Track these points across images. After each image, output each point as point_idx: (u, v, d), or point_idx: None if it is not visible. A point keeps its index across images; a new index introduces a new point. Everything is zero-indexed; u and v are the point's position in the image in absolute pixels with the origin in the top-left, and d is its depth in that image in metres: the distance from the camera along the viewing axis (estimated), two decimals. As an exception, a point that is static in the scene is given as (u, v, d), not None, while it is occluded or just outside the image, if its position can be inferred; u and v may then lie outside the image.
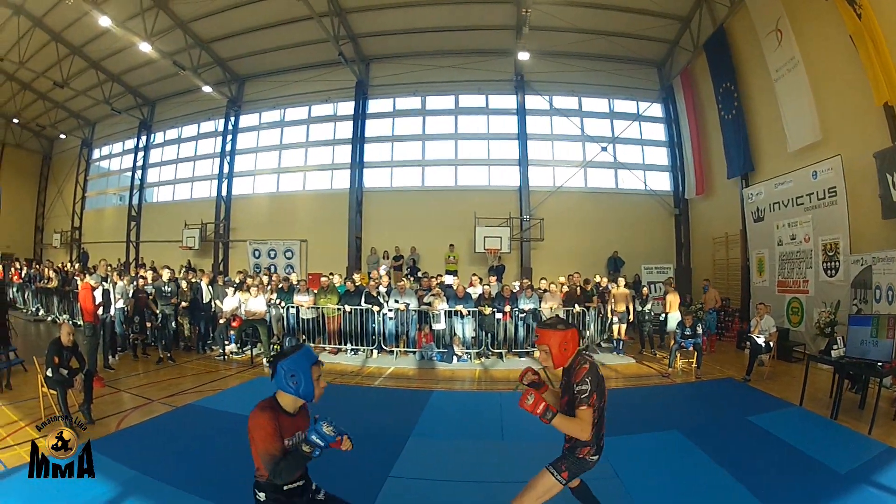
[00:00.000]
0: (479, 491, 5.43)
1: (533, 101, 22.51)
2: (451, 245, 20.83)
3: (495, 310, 12.96)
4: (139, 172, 27.23)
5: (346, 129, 23.44)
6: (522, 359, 12.83)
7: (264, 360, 12.02)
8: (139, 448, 6.38)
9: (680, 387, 10.57)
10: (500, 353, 13.10)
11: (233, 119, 25.20)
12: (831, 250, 12.44)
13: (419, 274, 17.71)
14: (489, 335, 13.18)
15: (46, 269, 18.97)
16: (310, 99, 24.12)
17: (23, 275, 20.42)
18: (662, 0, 17.84)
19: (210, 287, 13.89)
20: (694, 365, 11.42)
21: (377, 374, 11.45)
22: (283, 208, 24.09)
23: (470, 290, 13.77)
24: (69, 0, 16.60)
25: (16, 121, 27.51)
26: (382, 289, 13.63)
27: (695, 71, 19.98)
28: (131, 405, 8.40)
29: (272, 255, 23.02)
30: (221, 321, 12.99)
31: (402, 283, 14.38)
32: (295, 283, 14.35)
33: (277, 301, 13.43)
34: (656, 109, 22.69)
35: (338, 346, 13.19)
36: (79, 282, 13.11)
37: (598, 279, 15.78)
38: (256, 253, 23.14)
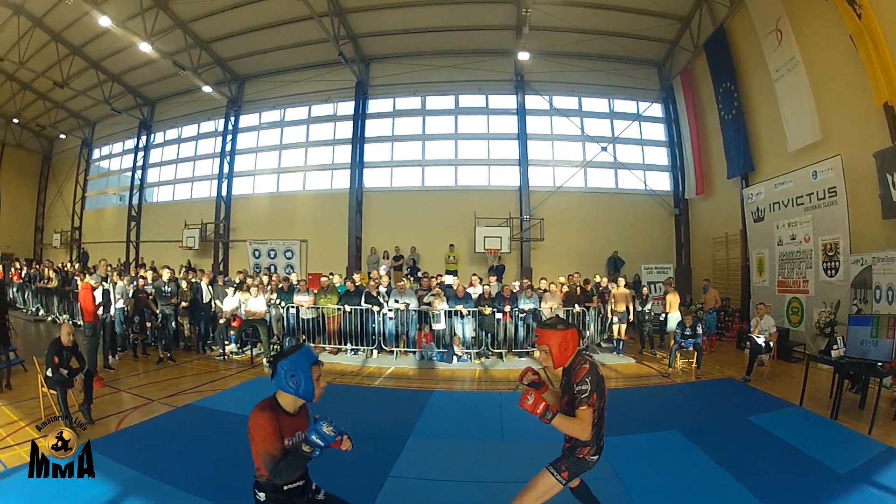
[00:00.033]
0: (478, 491, 5.43)
1: (533, 101, 22.49)
2: (451, 245, 20.83)
3: (495, 310, 12.97)
4: (139, 172, 27.24)
5: (346, 129, 23.42)
6: (522, 359, 12.84)
7: (264, 360, 12.02)
8: (139, 448, 6.39)
9: (680, 387, 10.57)
10: (500, 353, 13.10)
11: (233, 119, 25.19)
12: (831, 250, 12.45)
13: (419, 274, 17.71)
14: (489, 335, 13.18)
15: (46, 269, 18.96)
16: (310, 99, 24.11)
17: (23, 275, 20.42)
18: (662, 0, 17.82)
19: (210, 287, 13.89)
20: (694, 365, 11.42)
21: (377, 374, 11.45)
22: (283, 208, 24.08)
23: (470, 290, 13.78)
24: (69, 0, 16.58)
25: (16, 121, 27.52)
26: (382, 289, 13.62)
27: (695, 71, 19.98)
28: (131, 405, 8.41)
29: (272, 255, 23.01)
30: (221, 321, 12.98)
31: (402, 283, 14.38)
32: (295, 283, 14.35)
33: (277, 301, 13.43)
34: (656, 109, 22.68)
35: (338, 347, 13.19)
36: (79, 282, 13.12)
37: (598, 279, 15.77)
38: (256, 253, 23.13)
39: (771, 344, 11.15)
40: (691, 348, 11.33)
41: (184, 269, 17.73)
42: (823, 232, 12.74)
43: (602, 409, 3.67)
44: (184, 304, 13.12)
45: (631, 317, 13.77)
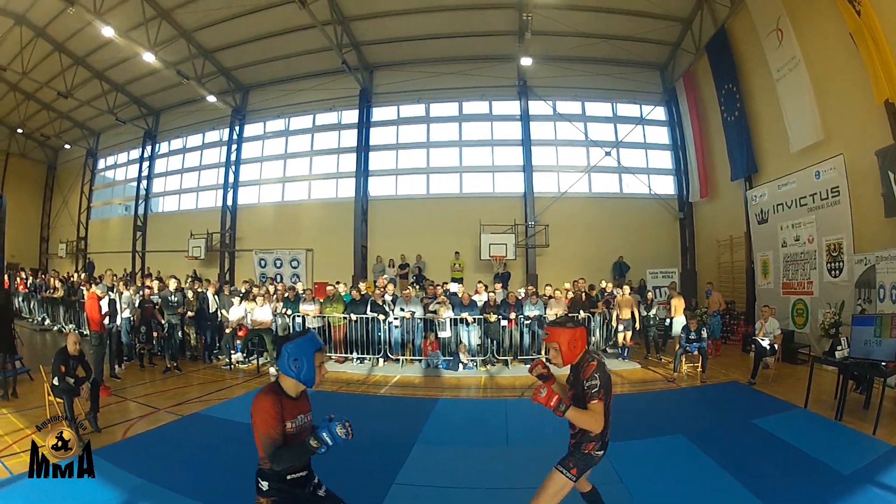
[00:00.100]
0: (483, 498, 5.45)
1: (536, 107, 22.48)
2: (457, 253, 20.83)
3: (500, 317, 12.99)
4: (144, 182, 27.34)
5: (350, 138, 23.46)
6: (528, 366, 12.77)
7: (270, 369, 12.04)
8: (146, 456, 6.43)
9: (685, 391, 10.57)
10: (506, 360, 13.13)
11: (237, 128, 25.26)
12: (835, 250, 12.42)
13: (423, 282, 17.73)
14: (495, 342, 13.18)
15: (52, 279, 19.06)
16: (314, 108, 24.15)
17: (28, 284, 20.51)
18: (663, 2, 17.84)
19: (216, 297, 13.93)
20: (699, 369, 11.40)
21: (383, 382, 11.47)
22: (288, 217, 24.11)
23: (475, 297, 13.81)
24: (71, 10, 16.65)
25: (20, 131, 27.68)
26: (388, 297, 13.63)
27: (697, 73, 19.99)
28: (138, 414, 8.47)
29: (278, 265, 22.99)
30: (228, 331, 13.03)
31: (408, 291, 14.39)
32: (301, 292, 14.41)
33: (284, 310, 13.47)
34: (659, 113, 22.67)
35: (344, 355, 13.23)
36: (85, 292, 13.19)
37: (603, 285, 15.75)
38: (262, 262, 23.10)
39: (776, 346, 11.13)
40: (696, 352, 11.33)
41: (190, 279, 17.78)
42: (827, 232, 12.71)
43: (608, 405, 3.71)
44: (190, 313, 13.20)
45: (637, 324, 13.70)
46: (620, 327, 13.55)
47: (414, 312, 13.09)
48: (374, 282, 16.75)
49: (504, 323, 13.02)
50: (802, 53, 13.48)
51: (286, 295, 14.29)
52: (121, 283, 13.52)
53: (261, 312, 12.61)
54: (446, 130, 23.38)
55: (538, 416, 7.93)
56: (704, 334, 11.45)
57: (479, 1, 19.00)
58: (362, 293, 13.88)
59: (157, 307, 12.79)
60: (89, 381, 7.47)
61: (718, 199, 19.66)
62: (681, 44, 20.06)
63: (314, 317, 13.25)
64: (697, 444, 6.84)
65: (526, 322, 13.20)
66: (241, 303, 13.11)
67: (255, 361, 12.92)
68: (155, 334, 12.57)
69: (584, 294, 14.08)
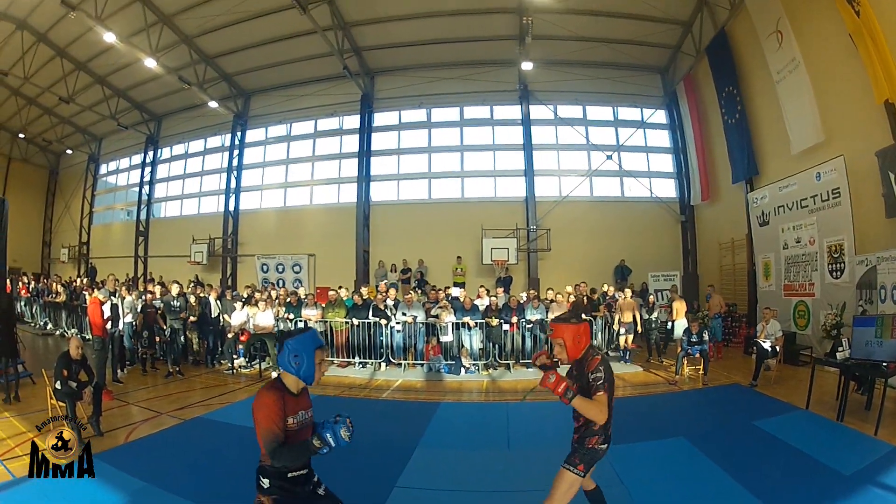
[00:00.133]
0: (485, 501, 5.45)
1: (537, 111, 22.52)
2: (459, 257, 20.89)
3: (502, 321, 13.00)
4: (146, 188, 27.43)
5: (352, 143, 23.53)
6: (530, 369, 12.73)
7: (272, 373, 12.04)
8: (148, 460, 6.45)
9: (686, 394, 10.55)
10: (508, 364, 13.10)
11: (239, 134, 25.32)
12: (836, 252, 12.41)
13: (425, 287, 17.75)
14: (496, 346, 13.19)
15: (54, 284, 19.11)
16: (315, 113, 24.24)
17: (30, 289, 20.55)
18: (664, 5, 17.87)
19: (218, 302, 13.99)
20: (701, 372, 11.39)
21: (385, 386, 11.46)
22: (290, 222, 24.20)
23: (477, 301, 13.82)
24: (72, 15, 16.66)
25: (22, 136, 27.78)
26: (390, 302, 13.64)
27: (697, 76, 20.00)
28: (140, 418, 8.48)
29: (280, 270, 23.04)
30: (230, 335, 13.03)
31: (410, 295, 14.40)
32: (303, 297, 14.43)
33: (286, 315, 13.48)
34: (660, 116, 22.69)
35: (346, 360, 13.23)
36: (87, 296, 13.22)
37: (605, 288, 15.73)
38: (265, 267, 23.15)
39: (777, 348, 11.12)
40: (698, 355, 11.33)
41: (192, 284, 17.79)
42: (828, 233, 12.71)
43: (611, 399, 3.73)
44: (192, 318, 13.20)
45: (639, 327, 13.71)
46: (622, 330, 13.56)
47: (416, 317, 13.11)
48: (376, 286, 16.76)
49: (506, 327, 13.02)
50: (802, 55, 13.49)
51: (288, 300, 14.33)
52: (123, 288, 13.54)
53: (263, 317, 12.62)
54: (447, 135, 23.48)
55: (539, 419, 8.01)
56: (706, 337, 11.44)
57: (479, 5, 19.04)
58: (364, 298, 13.86)
59: (159, 312, 12.83)
60: (92, 385, 7.49)
61: (720, 201, 19.65)
62: (681, 47, 20.07)
63: (316, 321, 13.22)
64: (699, 446, 6.83)
65: (528, 326, 13.21)
66: (243, 308, 13.16)
67: (257, 366, 12.90)
68: (157, 339, 12.61)
69: (585, 298, 14.08)
